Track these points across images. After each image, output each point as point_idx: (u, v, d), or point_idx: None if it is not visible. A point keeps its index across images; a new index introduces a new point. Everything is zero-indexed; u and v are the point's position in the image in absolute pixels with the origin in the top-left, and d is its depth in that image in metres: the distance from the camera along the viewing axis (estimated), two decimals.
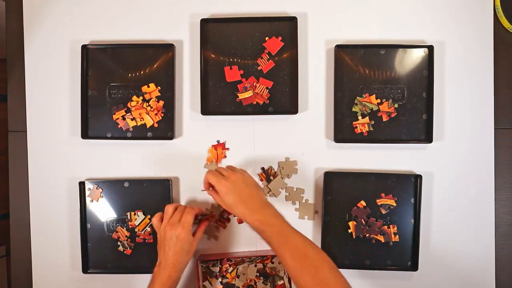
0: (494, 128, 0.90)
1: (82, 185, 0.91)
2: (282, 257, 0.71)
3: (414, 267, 0.88)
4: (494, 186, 0.90)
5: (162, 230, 0.80)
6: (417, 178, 0.88)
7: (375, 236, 0.88)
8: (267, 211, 0.75)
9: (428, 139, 0.88)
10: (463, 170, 0.90)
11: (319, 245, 0.89)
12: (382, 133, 0.89)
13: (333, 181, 0.89)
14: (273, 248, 0.73)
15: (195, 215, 0.82)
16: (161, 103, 0.90)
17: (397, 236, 0.88)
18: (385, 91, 0.89)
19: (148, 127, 0.90)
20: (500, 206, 0.91)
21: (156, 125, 0.90)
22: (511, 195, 0.91)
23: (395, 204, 0.89)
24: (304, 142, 0.91)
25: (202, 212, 0.87)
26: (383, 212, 0.89)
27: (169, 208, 0.82)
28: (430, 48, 0.88)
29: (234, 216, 0.90)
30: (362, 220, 0.89)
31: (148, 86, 0.91)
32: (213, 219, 0.91)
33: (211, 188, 0.81)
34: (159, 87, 0.91)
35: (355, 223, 0.89)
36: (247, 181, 0.79)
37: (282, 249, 0.71)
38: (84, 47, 0.91)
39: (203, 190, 0.83)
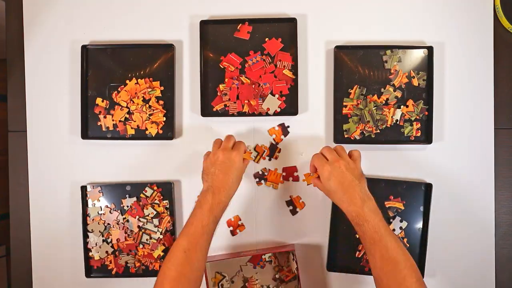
0: (494, 128, 0.90)
1: (84, 189, 0.91)
2: (372, 255, 0.70)
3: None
4: (494, 186, 0.90)
5: (213, 155, 0.79)
6: (428, 186, 0.88)
7: None
8: (365, 204, 0.72)
9: (428, 139, 0.88)
10: (463, 170, 0.90)
11: (326, 248, 0.89)
12: (382, 134, 0.89)
13: None
14: (364, 244, 0.72)
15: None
16: (161, 103, 0.90)
17: (405, 240, 0.88)
18: (384, 91, 0.89)
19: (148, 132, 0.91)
20: (500, 206, 0.91)
21: (160, 131, 0.90)
22: (511, 195, 0.91)
23: (403, 208, 0.88)
24: (304, 143, 0.91)
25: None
26: (391, 214, 0.89)
27: (218, 140, 0.82)
28: (430, 49, 0.88)
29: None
30: None
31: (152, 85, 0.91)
32: None
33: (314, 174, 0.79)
34: (162, 87, 0.91)
35: None
36: (351, 168, 0.75)
37: (374, 247, 0.70)
38: (84, 47, 0.91)
39: (309, 175, 0.84)
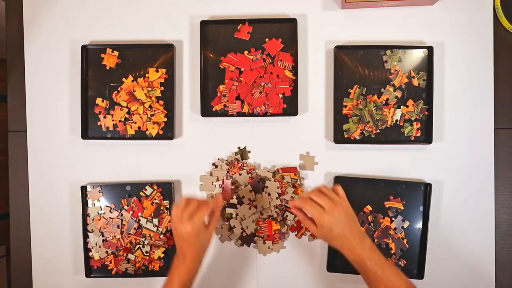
0: (494, 128, 0.90)
1: (84, 189, 0.91)
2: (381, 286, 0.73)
3: (420, 275, 0.88)
4: (494, 186, 0.90)
5: (172, 226, 0.78)
6: (427, 186, 0.88)
7: (386, 240, 0.88)
8: (365, 244, 0.74)
9: (428, 139, 0.88)
10: (463, 170, 0.90)
11: (326, 248, 0.89)
12: (382, 134, 0.89)
13: (343, 186, 0.88)
14: (368, 281, 0.74)
15: (210, 210, 0.80)
16: (161, 103, 0.90)
17: (405, 240, 0.88)
18: (384, 91, 0.89)
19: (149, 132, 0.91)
20: (500, 206, 0.91)
21: (161, 132, 0.90)
22: (511, 195, 0.91)
23: (402, 208, 0.88)
24: (304, 143, 0.91)
25: (218, 206, 0.82)
26: (391, 214, 0.89)
27: (181, 203, 0.79)
28: (430, 49, 0.88)
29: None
30: (369, 217, 0.89)
31: (157, 71, 0.90)
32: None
33: (306, 217, 0.79)
34: (162, 87, 0.91)
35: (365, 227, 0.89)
36: (348, 212, 0.76)
37: (379, 283, 0.72)
38: (84, 47, 0.91)
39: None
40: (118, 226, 0.90)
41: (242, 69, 0.89)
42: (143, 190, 0.90)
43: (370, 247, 0.75)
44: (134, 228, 0.90)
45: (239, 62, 0.89)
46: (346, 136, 0.89)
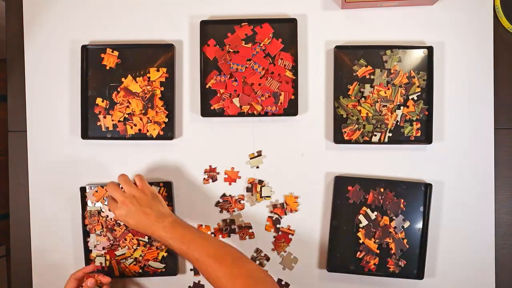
0: (494, 128, 0.90)
1: (83, 189, 0.91)
2: (193, 261, 0.73)
3: (420, 275, 0.88)
4: (494, 186, 0.90)
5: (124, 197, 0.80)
6: (427, 187, 0.88)
7: (387, 240, 0.88)
8: (164, 225, 0.76)
9: (428, 140, 0.88)
10: (463, 170, 0.90)
11: (326, 248, 0.89)
12: (382, 135, 0.89)
13: (344, 186, 0.88)
14: (183, 256, 0.75)
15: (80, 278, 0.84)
16: (161, 103, 0.90)
17: (405, 241, 0.88)
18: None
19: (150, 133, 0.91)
20: (500, 206, 0.91)
21: (161, 132, 0.90)
22: (511, 195, 0.91)
23: (403, 208, 0.88)
24: (304, 143, 0.91)
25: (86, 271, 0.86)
26: (390, 214, 0.89)
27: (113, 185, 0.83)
28: (430, 49, 0.88)
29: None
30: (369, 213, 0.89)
31: (158, 70, 0.90)
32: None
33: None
34: (162, 88, 0.91)
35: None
36: (141, 199, 0.79)
37: (187, 256, 0.73)
38: (84, 47, 0.91)
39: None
40: (118, 226, 0.90)
41: (243, 69, 0.89)
42: None
43: (171, 225, 0.76)
44: None
45: (239, 54, 0.89)
46: (346, 136, 0.89)
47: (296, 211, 0.91)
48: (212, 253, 0.72)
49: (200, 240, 0.74)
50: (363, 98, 0.89)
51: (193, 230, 0.78)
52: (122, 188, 0.82)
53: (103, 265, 0.90)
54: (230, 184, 0.91)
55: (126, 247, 0.90)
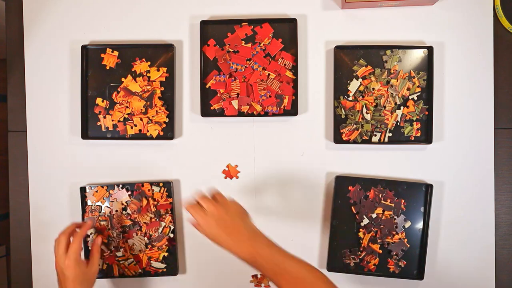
0: (494, 128, 0.90)
1: (83, 189, 0.91)
2: (279, 285, 0.69)
3: (420, 276, 0.88)
4: (494, 186, 0.90)
5: (55, 266, 0.79)
6: (428, 187, 0.88)
7: (388, 239, 0.88)
8: (256, 241, 0.72)
9: (428, 140, 0.88)
10: (463, 170, 0.90)
11: (326, 248, 0.89)
12: (382, 135, 0.89)
13: (344, 186, 0.88)
14: (269, 278, 0.71)
15: (84, 236, 0.83)
16: (161, 103, 0.90)
17: (406, 240, 0.88)
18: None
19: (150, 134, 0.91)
20: (500, 206, 0.91)
21: (161, 132, 0.90)
22: (511, 195, 0.91)
23: (403, 208, 0.88)
24: (304, 143, 0.91)
25: (88, 227, 0.85)
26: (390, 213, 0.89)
27: (60, 238, 0.80)
28: (430, 49, 0.88)
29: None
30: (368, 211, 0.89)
31: (158, 70, 0.90)
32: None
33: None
34: (162, 88, 0.91)
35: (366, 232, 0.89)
36: (231, 212, 0.74)
37: (277, 277, 0.68)
38: (84, 47, 0.91)
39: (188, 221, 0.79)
40: (118, 226, 0.90)
41: (243, 69, 0.89)
42: (145, 190, 0.90)
43: (263, 243, 0.71)
44: (135, 229, 0.90)
45: (239, 54, 0.89)
46: (344, 137, 0.89)
47: None
48: (305, 269, 0.69)
49: (294, 259, 0.71)
50: (361, 97, 0.89)
51: (282, 250, 0.73)
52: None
53: (101, 267, 0.90)
54: (230, 183, 0.92)
55: (125, 248, 0.91)
